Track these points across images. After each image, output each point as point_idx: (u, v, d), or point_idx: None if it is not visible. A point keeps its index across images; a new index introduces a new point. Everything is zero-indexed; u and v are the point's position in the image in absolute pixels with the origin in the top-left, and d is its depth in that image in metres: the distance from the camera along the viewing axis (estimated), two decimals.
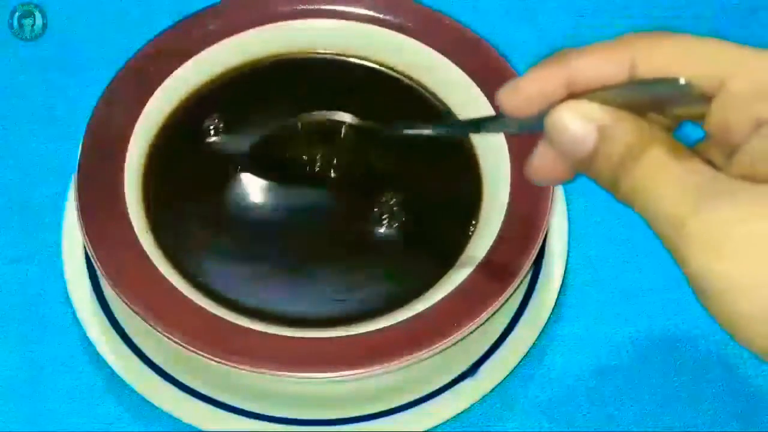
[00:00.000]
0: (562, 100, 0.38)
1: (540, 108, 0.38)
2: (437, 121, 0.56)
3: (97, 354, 0.53)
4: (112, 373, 0.52)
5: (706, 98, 0.37)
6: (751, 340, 0.35)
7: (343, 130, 0.54)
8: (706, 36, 0.38)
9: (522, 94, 0.39)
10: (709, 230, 0.34)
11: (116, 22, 0.64)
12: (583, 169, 0.38)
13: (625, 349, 0.55)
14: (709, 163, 0.37)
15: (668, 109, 0.38)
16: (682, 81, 0.35)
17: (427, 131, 0.51)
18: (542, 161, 0.40)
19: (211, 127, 0.55)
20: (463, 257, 0.52)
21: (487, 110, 0.54)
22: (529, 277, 0.54)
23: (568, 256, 0.56)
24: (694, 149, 0.39)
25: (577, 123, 0.37)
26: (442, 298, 0.50)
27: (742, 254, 0.34)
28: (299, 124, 0.54)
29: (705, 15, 0.65)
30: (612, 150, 0.37)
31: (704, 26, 0.65)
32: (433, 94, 0.57)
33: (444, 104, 0.56)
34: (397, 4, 0.57)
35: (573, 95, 0.38)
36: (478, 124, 0.47)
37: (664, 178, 0.36)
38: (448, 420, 0.52)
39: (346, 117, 0.54)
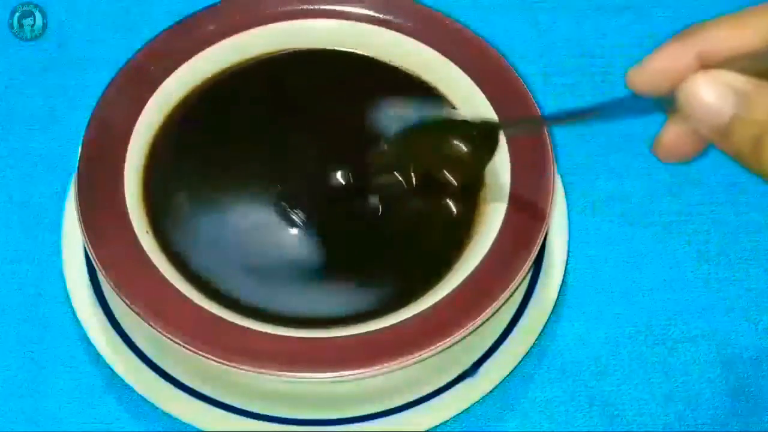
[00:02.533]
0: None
1: (672, 84, 0.38)
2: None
3: (97, 354, 0.53)
4: (112, 373, 0.52)
5: None
6: None
7: (326, 137, 0.54)
8: None
9: (654, 71, 0.39)
10: None
11: (116, 22, 0.64)
12: (720, 140, 0.37)
13: (625, 349, 0.55)
14: None
15: None
16: None
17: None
18: (672, 138, 0.40)
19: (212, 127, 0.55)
20: (463, 257, 0.52)
21: (487, 110, 0.54)
22: (529, 277, 0.54)
23: (568, 256, 0.56)
24: None
25: (714, 91, 0.36)
26: (442, 298, 0.50)
27: None
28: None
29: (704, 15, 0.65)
30: (754, 117, 0.36)
31: None
32: (434, 93, 0.57)
33: (446, 101, 0.56)
34: (397, 4, 0.57)
35: (706, 68, 0.37)
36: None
37: None
38: (448, 420, 0.52)
39: (329, 122, 0.54)
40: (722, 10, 0.65)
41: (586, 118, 0.49)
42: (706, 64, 0.38)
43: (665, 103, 0.39)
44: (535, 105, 0.54)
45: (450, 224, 0.53)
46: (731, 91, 0.36)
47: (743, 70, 0.37)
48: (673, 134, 0.40)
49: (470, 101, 0.55)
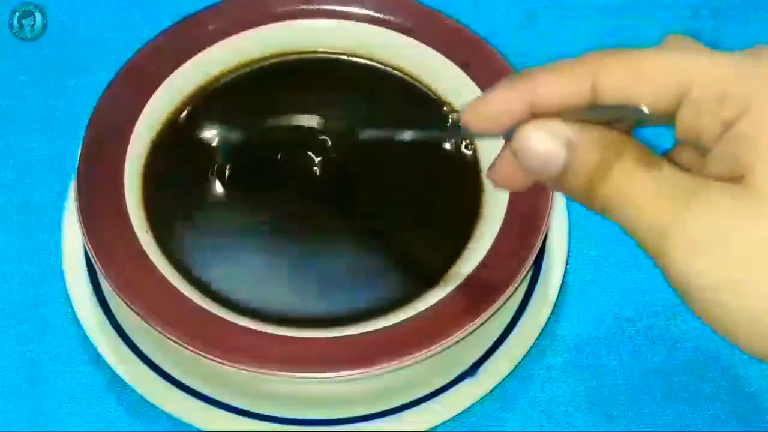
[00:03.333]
0: (526, 120, 0.38)
1: (504, 126, 0.38)
2: (412, 126, 0.55)
3: (97, 354, 0.53)
4: (112, 373, 0.52)
5: (668, 116, 0.37)
6: (740, 340, 0.36)
7: (325, 137, 0.54)
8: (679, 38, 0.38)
9: (487, 113, 0.39)
10: (691, 236, 0.35)
11: (116, 22, 0.64)
12: (555, 185, 0.38)
13: (625, 349, 0.55)
14: (681, 166, 0.37)
15: (630, 123, 0.39)
16: (644, 109, 0.36)
17: (396, 135, 0.51)
18: (505, 169, 0.40)
19: (212, 127, 0.55)
20: (462, 257, 0.52)
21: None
22: (529, 277, 0.54)
23: (568, 256, 0.56)
24: (669, 156, 0.39)
25: (546, 141, 0.37)
26: (442, 298, 0.50)
27: (725, 256, 0.34)
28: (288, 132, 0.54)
29: (702, 14, 0.65)
30: (583, 164, 0.37)
31: (702, 24, 0.65)
32: (434, 93, 0.57)
33: (445, 102, 0.56)
34: (397, 4, 0.57)
35: (536, 115, 0.38)
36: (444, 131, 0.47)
37: (640, 188, 0.36)
38: (448, 420, 0.52)
39: (327, 122, 0.54)
40: (722, 10, 0.65)
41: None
42: (536, 111, 0.38)
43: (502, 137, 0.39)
44: None
45: (450, 224, 0.53)
46: (561, 141, 0.37)
47: (573, 118, 0.37)
48: (507, 165, 0.40)
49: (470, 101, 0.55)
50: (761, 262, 0.34)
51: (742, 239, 0.34)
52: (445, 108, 0.56)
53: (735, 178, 0.35)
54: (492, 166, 0.41)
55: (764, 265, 0.34)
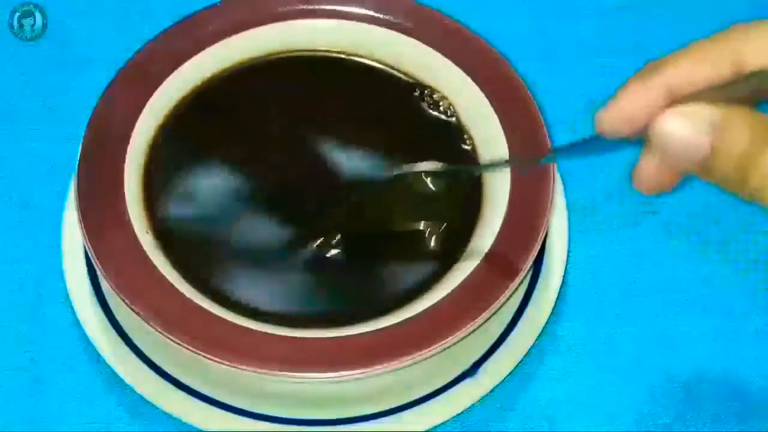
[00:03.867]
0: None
1: (641, 124, 0.37)
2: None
3: (97, 354, 0.53)
4: (112, 373, 0.52)
5: None
6: None
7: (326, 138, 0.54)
8: None
9: (625, 114, 0.38)
10: None
11: (116, 22, 0.64)
12: (703, 173, 0.36)
13: (625, 349, 0.55)
14: None
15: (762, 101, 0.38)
16: None
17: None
18: (650, 170, 0.39)
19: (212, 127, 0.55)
20: (463, 257, 0.52)
21: (487, 109, 0.54)
22: (529, 277, 0.54)
23: (568, 256, 0.56)
24: None
25: (688, 127, 0.36)
26: (442, 298, 0.50)
27: None
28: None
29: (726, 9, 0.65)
30: (733, 147, 0.35)
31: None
32: (434, 93, 0.57)
33: (444, 99, 0.56)
34: (397, 4, 0.57)
35: (675, 103, 0.37)
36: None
37: None
38: (448, 420, 0.52)
39: (328, 122, 0.54)
40: (721, 9, 0.65)
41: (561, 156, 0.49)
42: (673, 100, 0.37)
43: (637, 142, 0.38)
44: (535, 105, 0.54)
45: (450, 224, 0.53)
46: (705, 124, 0.36)
47: (710, 101, 0.36)
48: (651, 167, 0.39)
49: (470, 101, 0.55)
50: None
51: None
52: (467, 141, 0.56)
53: None
54: (635, 172, 0.39)
55: None
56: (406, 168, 0.53)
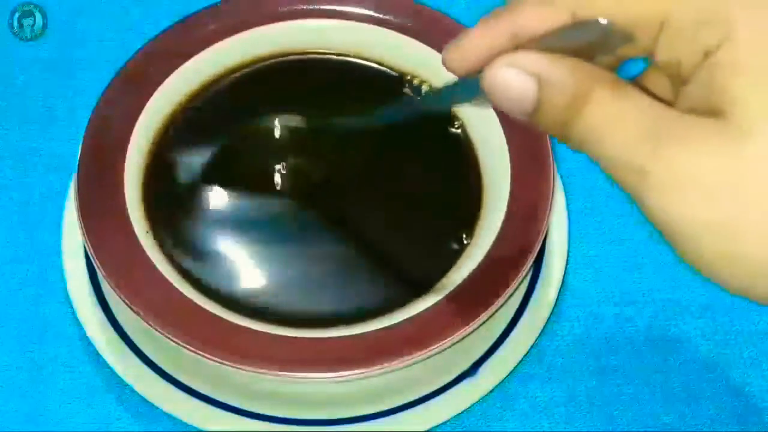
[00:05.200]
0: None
1: (485, 64, 0.36)
2: (403, 103, 0.55)
3: (97, 354, 0.53)
4: (112, 373, 0.52)
5: (647, 49, 0.36)
6: (726, 279, 0.35)
7: (325, 138, 0.54)
8: None
9: (467, 51, 0.38)
10: (671, 175, 0.34)
11: (116, 22, 0.64)
12: (531, 122, 0.36)
13: (625, 349, 0.55)
14: (656, 97, 0.36)
15: (605, 54, 0.37)
16: (603, 21, 0.35)
17: (395, 114, 0.50)
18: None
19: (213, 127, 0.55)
20: (462, 257, 0.52)
21: (487, 109, 0.54)
22: (529, 277, 0.54)
23: (568, 256, 0.56)
24: (638, 82, 0.38)
25: (514, 74, 0.35)
26: (442, 298, 0.50)
27: (707, 194, 0.33)
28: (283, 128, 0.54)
29: None
30: (556, 96, 0.35)
31: None
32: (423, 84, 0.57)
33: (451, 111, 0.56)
34: (397, 4, 0.57)
35: (518, 48, 0.36)
36: (444, 96, 0.46)
37: (616, 123, 0.34)
38: (448, 420, 0.52)
39: (327, 123, 0.54)
40: None
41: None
42: (518, 44, 0.36)
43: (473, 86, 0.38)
44: None
45: (450, 224, 0.53)
46: (531, 76, 0.35)
47: (552, 49, 0.35)
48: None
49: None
50: (745, 201, 0.33)
51: (725, 178, 0.33)
52: (407, 78, 0.56)
53: (713, 112, 0.34)
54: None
55: (748, 205, 0.33)
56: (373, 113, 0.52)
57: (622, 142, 0.34)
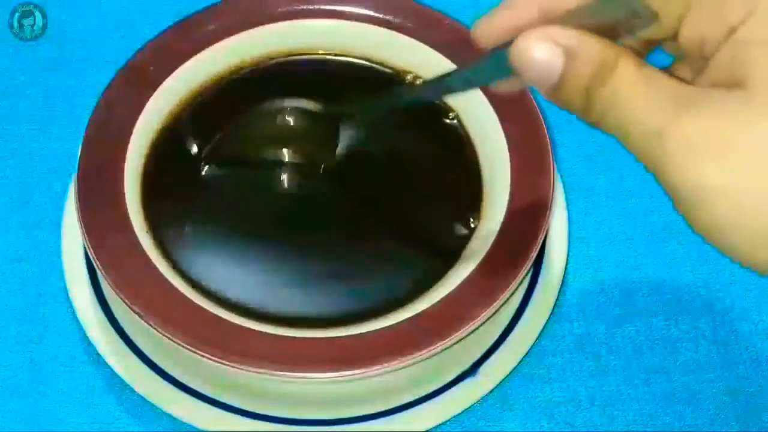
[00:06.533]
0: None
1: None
2: (403, 92, 0.56)
3: (97, 354, 0.53)
4: (112, 373, 0.52)
5: (657, 16, 0.37)
6: (733, 246, 0.35)
7: (325, 138, 0.54)
8: None
9: (497, 24, 0.39)
10: (689, 139, 0.34)
11: (116, 22, 0.64)
12: (553, 97, 0.37)
13: (625, 349, 0.55)
14: (681, 78, 0.37)
15: (629, 36, 0.38)
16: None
17: (396, 102, 0.50)
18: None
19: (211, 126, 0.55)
20: (462, 257, 0.52)
21: (487, 110, 0.54)
22: (529, 277, 0.54)
23: (568, 256, 0.56)
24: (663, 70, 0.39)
25: (543, 47, 0.36)
26: (442, 298, 0.50)
27: (724, 160, 0.34)
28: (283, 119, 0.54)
29: None
30: (581, 69, 0.36)
31: None
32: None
33: (444, 103, 0.56)
34: (397, 4, 0.57)
35: (547, 23, 0.37)
36: (445, 85, 0.47)
37: (638, 91, 0.36)
38: (448, 420, 0.52)
39: (327, 123, 0.54)
40: None
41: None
42: (546, 19, 0.38)
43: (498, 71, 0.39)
44: (534, 102, 0.54)
45: (450, 224, 0.53)
46: (560, 48, 0.36)
47: (580, 25, 0.37)
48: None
49: (469, 101, 0.55)
50: (760, 169, 0.34)
51: (743, 144, 0.34)
52: (451, 114, 0.56)
53: (734, 85, 0.35)
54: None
55: (764, 173, 0.34)
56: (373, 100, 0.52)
57: (643, 105, 0.35)
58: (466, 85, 0.47)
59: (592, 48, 0.36)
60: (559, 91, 0.37)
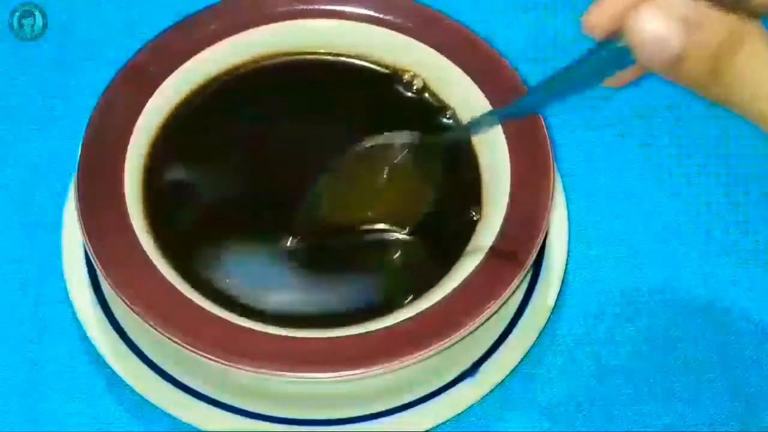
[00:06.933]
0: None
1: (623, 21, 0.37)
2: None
3: (97, 354, 0.53)
4: (112, 373, 0.52)
5: None
6: None
7: (326, 138, 0.54)
8: None
9: (608, 10, 0.38)
10: None
11: (116, 22, 0.64)
12: (673, 72, 0.36)
13: (625, 349, 0.55)
14: None
15: (742, 9, 0.37)
16: None
17: (502, 116, 0.50)
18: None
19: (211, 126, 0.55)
20: (463, 257, 0.52)
21: (487, 109, 0.54)
22: (529, 277, 0.54)
23: (568, 256, 0.56)
24: None
25: (661, 21, 0.35)
26: (442, 298, 0.50)
27: None
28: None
29: None
30: (705, 43, 0.35)
31: None
32: (434, 94, 0.57)
33: (444, 103, 0.56)
34: (397, 4, 0.57)
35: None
36: (553, 90, 0.45)
37: None
38: (448, 420, 0.52)
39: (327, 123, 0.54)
40: None
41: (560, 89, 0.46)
42: None
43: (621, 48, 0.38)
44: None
45: (450, 224, 0.53)
46: (678, 20, 0.35)
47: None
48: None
49: (469, 101, 0.55)
50: None
51: None
52: (448, 113, 0.56)
53: None
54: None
55: None
56: (383, 139, 0.52)
57: None
58: (575, 86, 0.44)
59: (715, 21, 0.35)
60: (681, 67, 0.36)
